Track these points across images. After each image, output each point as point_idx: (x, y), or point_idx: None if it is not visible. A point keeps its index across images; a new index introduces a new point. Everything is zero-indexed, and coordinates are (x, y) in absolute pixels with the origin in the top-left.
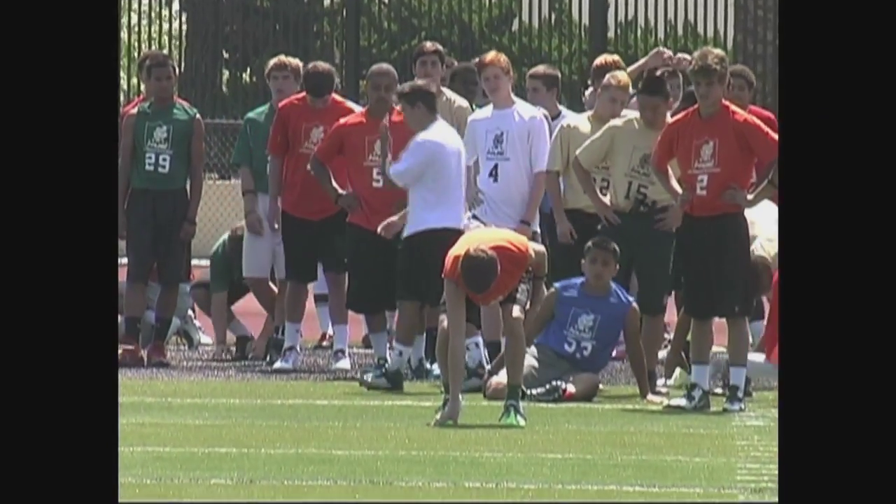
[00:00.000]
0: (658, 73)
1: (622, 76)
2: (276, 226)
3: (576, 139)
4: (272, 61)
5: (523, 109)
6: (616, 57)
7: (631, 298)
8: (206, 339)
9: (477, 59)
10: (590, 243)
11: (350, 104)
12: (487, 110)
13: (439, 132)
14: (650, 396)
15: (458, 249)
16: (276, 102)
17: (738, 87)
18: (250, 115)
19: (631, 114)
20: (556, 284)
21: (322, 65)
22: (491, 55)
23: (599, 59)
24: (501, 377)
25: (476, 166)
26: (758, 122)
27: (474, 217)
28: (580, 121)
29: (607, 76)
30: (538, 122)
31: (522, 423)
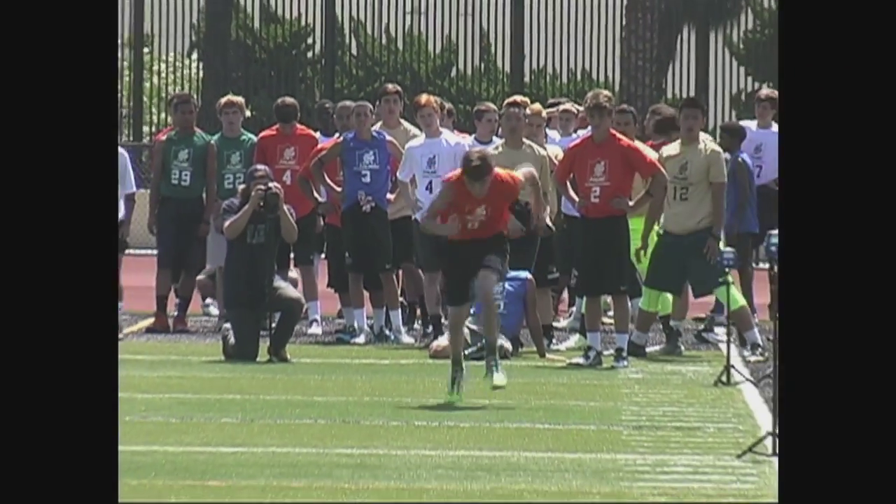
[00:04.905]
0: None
1: (535, 106)
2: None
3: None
4: (223, 100)
5: (449, 138)
6: (520, 98)
7: (528, 275)
8: (215, 311)
9: (414, 100)
10: None
11: (310, 131)
12: (421, 139)
13: None
14: (548, 355)
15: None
16: (227, 131)
17: (623, 122)
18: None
19: (498, 140)
20: None
21: (288, 100)
22: (425, 98)
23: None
24: (441, 340)
25: (414, 182)
26: (637, 145)
27: (415, 221)
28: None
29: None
30: (462, 146)
31: (502, 380)
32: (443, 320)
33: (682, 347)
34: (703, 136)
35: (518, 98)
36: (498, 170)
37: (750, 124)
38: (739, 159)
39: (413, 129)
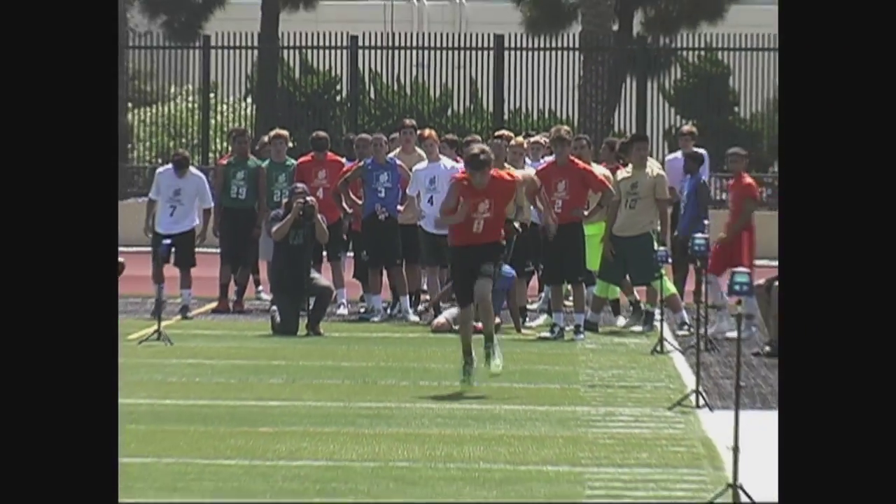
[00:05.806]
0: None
1: (519, 139)
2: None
3: None
4: (272, 133)
5: (446, 162)
6: (506, 132)
7: (513, 272)
8: (266, 296)
9: (418, 133)
10: None
11: (339, 157)
12: (425, 163)
13: None
14: (523, 331)
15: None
16: (275, 157)
17: (579, 146)
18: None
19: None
20: None
21: (321, 133)
22: (428, 131)
23: (496, 133)
24: (440, 318)
25: (419, 197)
26: (591, 168)
27: (420, 227)
28: None
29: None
30: (456, 169)
31: (499, 368)
32: (441, 304)
33: (651, 325)
34: (650, 161)
35: (504, 132)
36: (497, 170)
37: (678, 154)
38: (703, 181)
39: (425, 155)
